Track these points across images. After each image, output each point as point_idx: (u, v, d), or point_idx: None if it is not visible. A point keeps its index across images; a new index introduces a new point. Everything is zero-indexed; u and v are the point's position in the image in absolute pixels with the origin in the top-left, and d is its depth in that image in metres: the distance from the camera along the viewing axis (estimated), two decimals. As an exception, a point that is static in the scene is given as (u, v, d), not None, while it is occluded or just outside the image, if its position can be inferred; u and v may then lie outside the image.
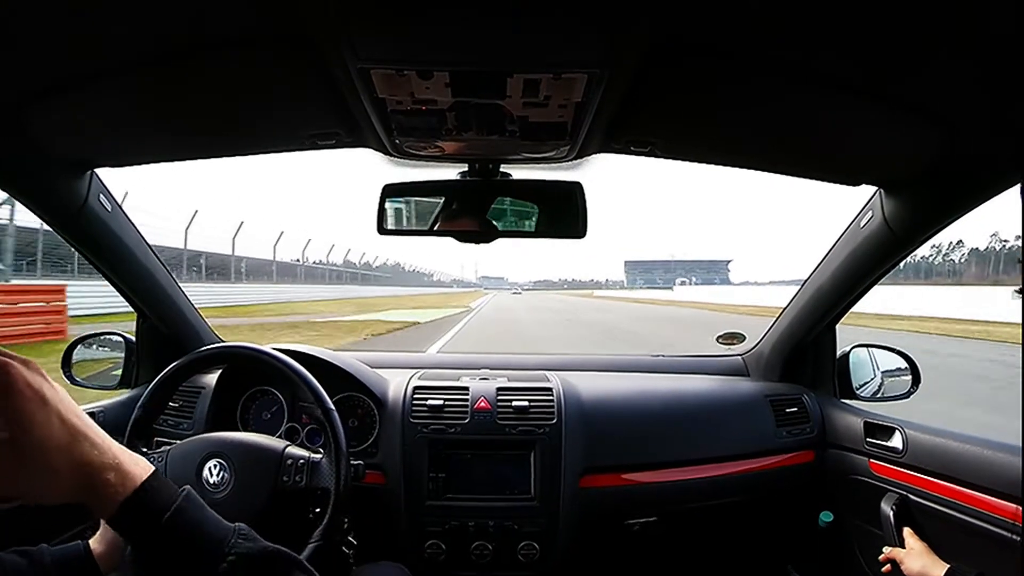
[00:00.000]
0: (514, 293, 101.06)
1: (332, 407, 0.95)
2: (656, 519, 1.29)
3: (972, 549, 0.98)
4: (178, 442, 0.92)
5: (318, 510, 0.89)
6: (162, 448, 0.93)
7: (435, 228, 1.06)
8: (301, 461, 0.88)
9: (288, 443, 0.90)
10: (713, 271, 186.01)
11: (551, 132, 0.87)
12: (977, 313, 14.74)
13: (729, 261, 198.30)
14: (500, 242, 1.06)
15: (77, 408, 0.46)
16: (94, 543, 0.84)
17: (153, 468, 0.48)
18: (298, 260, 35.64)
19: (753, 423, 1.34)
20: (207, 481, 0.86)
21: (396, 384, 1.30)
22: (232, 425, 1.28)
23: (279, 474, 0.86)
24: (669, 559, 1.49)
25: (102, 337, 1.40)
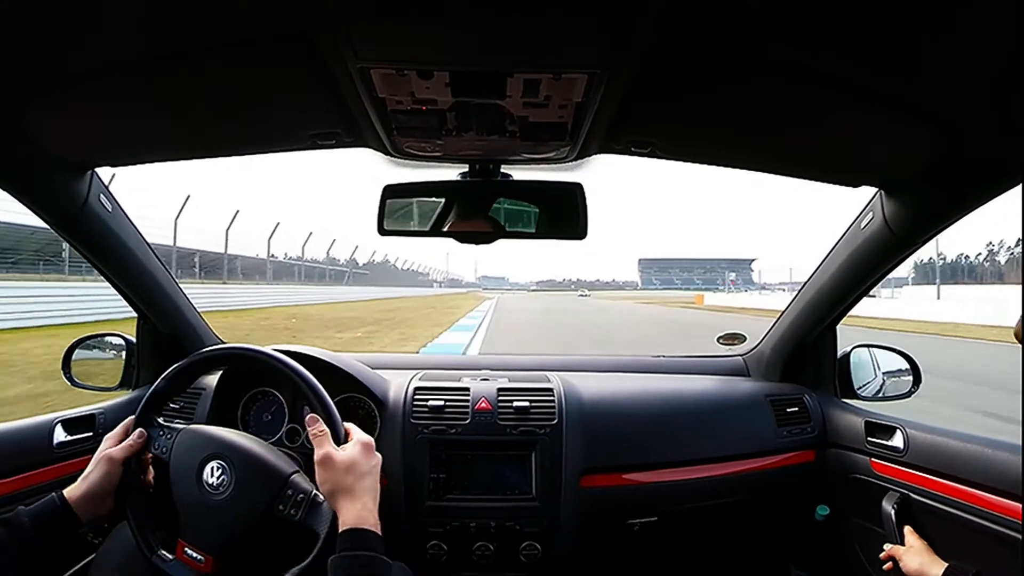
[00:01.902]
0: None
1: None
2: (657, 519, 1.29)
3: (974, 547, 0.98)
4: (190, 426, 0.91)
5: (304, 544, 0.83)
6: (175, 423, 0.92)
7: (435, 229, 1.06)
8: (301, 496, 0.82)
9: (297, 469, 0.86)
10: (735, 271, 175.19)
11: (551, 132, 0.87)
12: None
13: (752, 260, 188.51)
14: (501, 240, 1.06)
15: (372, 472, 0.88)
16: (70, 491, 0.82)
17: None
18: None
19: (754, 423, 1.34)
20: (207, 482, 0.84)
21: (397, 385, 1.30)
22: (233, 426, 1.27)
23: (276, 501, 0.81)
24: (670, 559, 1.49)
25: (102, 339, 1.40)
